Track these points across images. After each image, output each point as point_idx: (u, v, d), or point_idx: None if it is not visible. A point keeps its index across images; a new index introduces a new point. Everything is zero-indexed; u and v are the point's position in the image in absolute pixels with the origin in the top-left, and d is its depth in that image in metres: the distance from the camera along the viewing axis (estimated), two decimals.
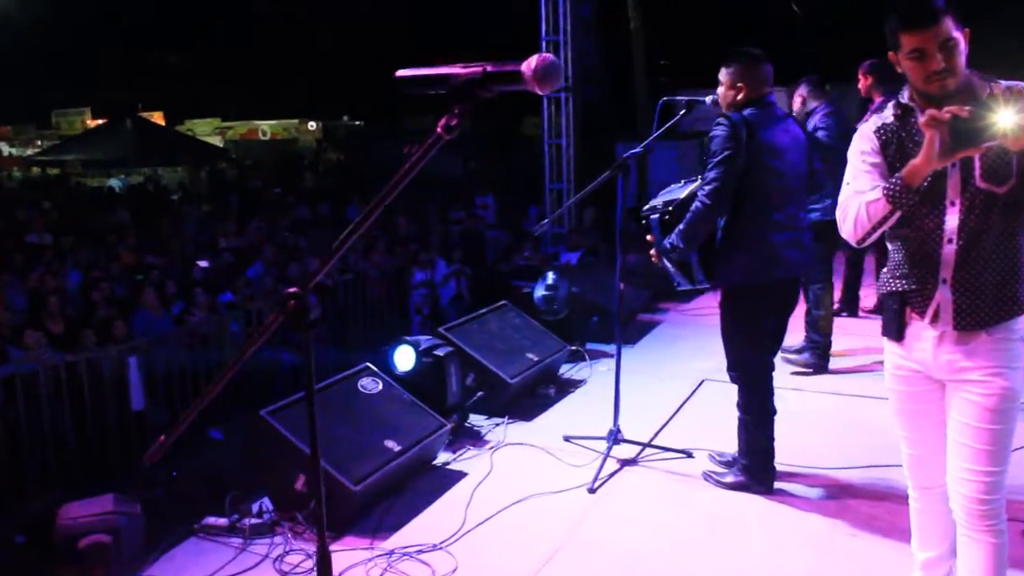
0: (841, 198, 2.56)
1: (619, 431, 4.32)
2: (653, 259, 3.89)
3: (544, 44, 11.01)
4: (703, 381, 5.52)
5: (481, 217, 13.66)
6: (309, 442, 1.59)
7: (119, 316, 8.02)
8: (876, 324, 6.82)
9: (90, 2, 32.37)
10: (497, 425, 4.86)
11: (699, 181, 3.93)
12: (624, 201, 4.21)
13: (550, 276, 6.21)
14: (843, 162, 2.62)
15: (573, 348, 5.88)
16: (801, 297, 4.37)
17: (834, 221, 2.63)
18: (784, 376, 5.22)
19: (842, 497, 3.91)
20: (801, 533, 3.62)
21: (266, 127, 37.77)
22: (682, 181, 4.08)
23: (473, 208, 14.31)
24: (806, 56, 13.64)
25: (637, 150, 4.14)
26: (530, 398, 5.27)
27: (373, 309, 9.70)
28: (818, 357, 5.68)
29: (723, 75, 3.81)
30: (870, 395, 5.14)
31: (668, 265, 3.83)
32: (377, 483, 3.78)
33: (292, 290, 1.56)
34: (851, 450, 4.37)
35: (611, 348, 6.35)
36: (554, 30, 11.05)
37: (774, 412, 3.85)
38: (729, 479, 3.98)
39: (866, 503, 3.84)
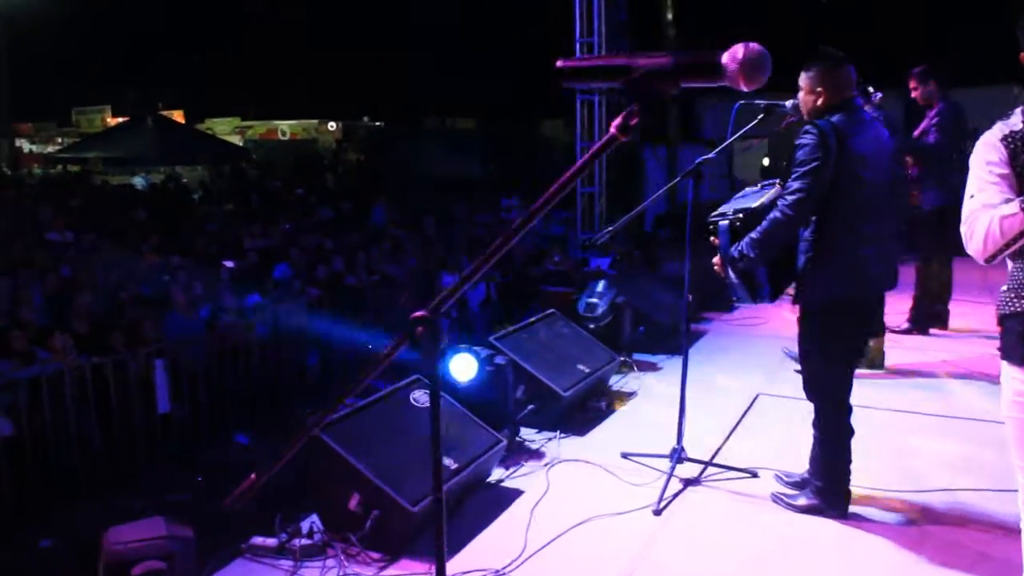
0: (965, 212, 2.36)
1: (683, 450, 4.11)
2: (716, 268, 3.69)
3: (578, 46, 10.86)
4: (758, 395, 5.31)
5: (509, 220, 13.50)
6: (434, 487, 1.39)
7: (148, 317, 7.88)
8: (931, 339, 6.47)
9: (110, 0, 32.41)
10: (549, 440, 4.65)
11: (771, 191, 3.73)
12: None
13: (600, 284, 6.03)
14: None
15: (622, 359, 5.68)
16: None
17: None
18: None
19: (921, 523, 3.70)
20: (880, 561, 3.42)
21: (285, 127, 37.63)
22: (759, 185, 3.88)
23: (499, 210, 14.14)
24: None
25: (711, 155, 3.94)
26: (581, 411, 5.04)
27: (400, 312, 9.53)
28: None
29: (802, 79, 3.60)
30: (930, 412, 4.98)
31: (732, 276, 3.60)
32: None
33: (420, 314, 1.35)
34: (923, 472, 4.18)
35: (658, 359, 6.18)
36: (588, 32, 10.90)
37: (852, 432, 3.65)
38: (801, 502, 3.77)
39: (948, 530, 3.63)
